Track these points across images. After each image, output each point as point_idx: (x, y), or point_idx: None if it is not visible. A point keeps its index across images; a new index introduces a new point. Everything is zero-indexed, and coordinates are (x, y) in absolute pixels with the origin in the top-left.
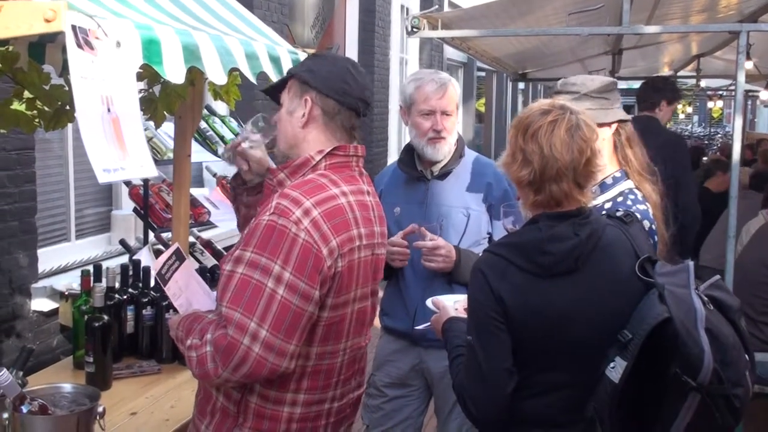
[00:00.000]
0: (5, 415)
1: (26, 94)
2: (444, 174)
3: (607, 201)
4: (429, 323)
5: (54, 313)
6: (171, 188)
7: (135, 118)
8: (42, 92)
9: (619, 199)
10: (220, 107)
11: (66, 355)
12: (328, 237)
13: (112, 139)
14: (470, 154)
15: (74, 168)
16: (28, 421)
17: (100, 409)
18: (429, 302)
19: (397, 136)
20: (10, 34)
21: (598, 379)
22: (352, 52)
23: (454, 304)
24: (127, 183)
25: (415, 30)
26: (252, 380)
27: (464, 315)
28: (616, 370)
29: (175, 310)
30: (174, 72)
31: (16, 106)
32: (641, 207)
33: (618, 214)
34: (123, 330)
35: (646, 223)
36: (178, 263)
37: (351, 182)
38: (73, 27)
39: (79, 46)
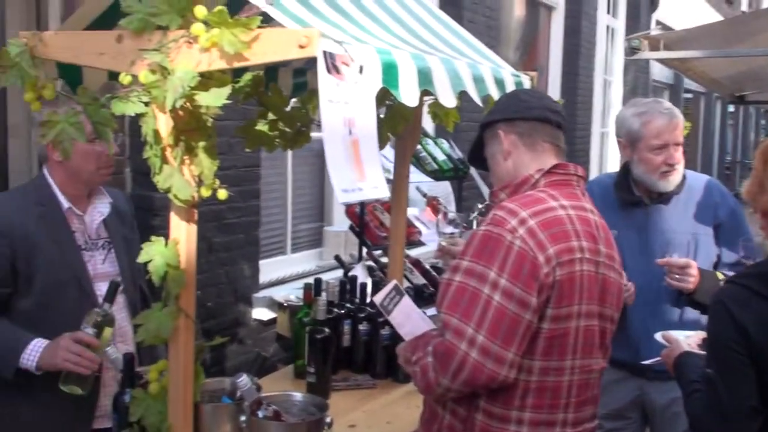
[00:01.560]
0: (243, 418)
1: (269, 115)
2: (666, 198)
3: None
4: (658, 357)
5: (272, 322)
6: (385, 207)
7: (372, 140)
8: (283, 114)
9: None
10: (428, 128)
11: (282, 363)
12: (545, 245)
13: (351, 160)
14: (689, 174)
15: (292, 185)
16: (263, 426)
17: (328, 420)
18: (659, 336)
19: (599, 159)
20: (267, 60)
21: None
22: (555, 74)
23: (685, 338)
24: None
25: (635, 51)
26: (471, 388)
27: (697, 351)
28: None
29: (391, 327)
30: (409, 95)
31: (261, 126)
32: None
33: None
34: (340, 343)
35: None
36: (399, 297)
37: (572, 198)
38: (325, 53)
39: (329, 71)
